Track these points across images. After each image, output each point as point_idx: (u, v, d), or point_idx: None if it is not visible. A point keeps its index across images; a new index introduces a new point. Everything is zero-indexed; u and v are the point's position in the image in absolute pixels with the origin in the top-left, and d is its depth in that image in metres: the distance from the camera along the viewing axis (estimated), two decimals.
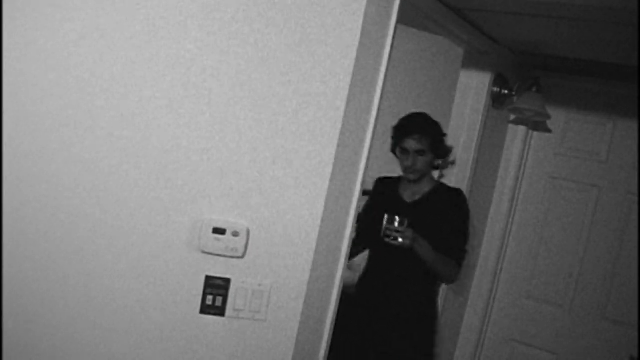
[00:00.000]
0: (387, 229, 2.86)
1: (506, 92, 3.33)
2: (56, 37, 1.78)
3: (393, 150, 3.09)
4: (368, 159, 2.16)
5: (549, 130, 3.60)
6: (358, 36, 1.97)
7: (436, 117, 3.03)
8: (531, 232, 3.67)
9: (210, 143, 1.91)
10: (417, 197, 3.07)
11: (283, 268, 2.03)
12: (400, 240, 2.83)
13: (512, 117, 3.59)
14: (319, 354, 2.20)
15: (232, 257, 1.97)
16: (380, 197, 3.25)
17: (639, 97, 3.21)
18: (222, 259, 1.97)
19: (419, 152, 2.96)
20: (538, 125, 3.60)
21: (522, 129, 3.62)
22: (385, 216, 2.87)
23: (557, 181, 3.61)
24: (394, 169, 3.12)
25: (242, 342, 2.03)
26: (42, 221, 1.83)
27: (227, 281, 1.99)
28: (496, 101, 3.30)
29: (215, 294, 1.98)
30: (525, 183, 3.70)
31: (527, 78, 3.42)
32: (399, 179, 3.17)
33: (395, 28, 2.12)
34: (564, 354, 3.58)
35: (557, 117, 3.50)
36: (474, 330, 3.74)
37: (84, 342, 1.90)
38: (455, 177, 3.21)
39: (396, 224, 2.83)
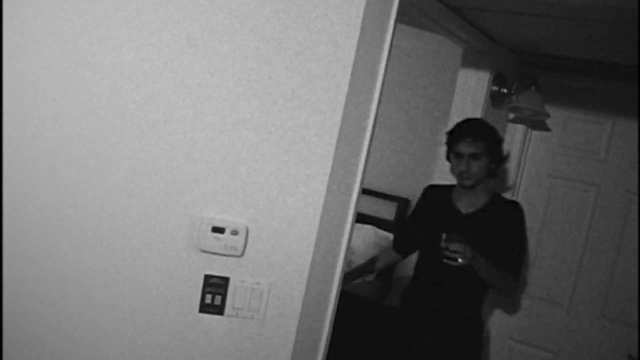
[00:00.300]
0: (445, 248, 2.76)
1: (505, 91, 3.33)
2: (56, 32, 1.78)
3: (448, 157, 3.02)
4: (367, 158, 2.16)
5: (548, 129, 3.60)
6: (357, 34, 1.97)
7: (435, 115, 3.03)
8: (530, 231, 3.67)
9: (209, 141, 1.91)
10: (472, 209, 3.00)
11: (282, 267, 2.03)
12: (460, 260, 2.74)
13: (511, 116, 3.59)
14: (318, 353, 2.20)
15: (231, 255, 1.97)
16: (432, 205, 3.16)
17: (639, 97, 3.21)
18: (221, 257, 1.97)
19: (474, 156, 2.87)
20: (537, 124, 3.60)
21: (521, 127, 3.62)
22: (444, 235, 2.77)
23: (556, 180, 3.61)
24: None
25: (241, 341, 2.04)
26: (39, 219, 1.82)
27: (226, 280, 1.99)
28: (495, 100, 3.31)
29: (214, 293, 1.98)
30: (524, 182, 3.70)
31: (526, 77, 3.42)
32: (451, 187, 3.09)
33: (395, 26, 2.13)
34: (562, 353, 3.58)
35: (556, 116, 3.50)
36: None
37: (82, 341, 1.90)
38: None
39: (456, 244, 2.73)
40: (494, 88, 3.26)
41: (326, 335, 2.19)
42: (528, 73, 3.48)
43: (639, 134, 3.35)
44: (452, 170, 2.97)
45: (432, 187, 3.21)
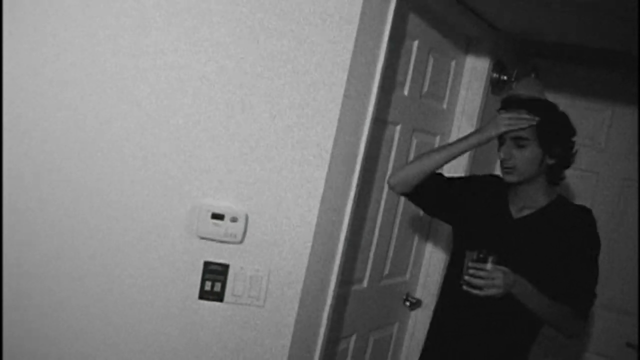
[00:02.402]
0: (468, 270, 2.08)
1: (505, 78, 3.32)
2: (61, 30, 1.77)
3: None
4: (367, 144, 2.16)
5: None
6: (356, 22, 1.97)
7: (435, 102, 3.00)
8: None
9: (209, 128, 1.91)
10: (526, 212, 2.24)
11: (281, 254, 2.03)
12: (484, 291, 2.03)
13: None
14: (317, 340, 2.20)
15: (230, 242, 1.97)
16: (482, 195, 2.37)
17: (639, 85, 3.20)
18: (220, 244, 1.97)
19: (517, 141, 2.15)
20: None
21: None
22: (469, 254, 2.10)
23: None
24: None
25: (240, 328, 2.04)
26: (41, 208, 1.82)
27: (226, 267, 1.99)
28: (495, 87, 3.30)
29: (214, 280, 1.99)
30: None
31: (526, 64, 3.42)
32: (509, 185, 2.28)
33: (395, 13, 2.12)
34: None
35: (556, 104, 3.49)
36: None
37: (82, 327, 1.91)
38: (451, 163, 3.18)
39: (488, 266, 2.03)
40: (494, 75, 3.24)
41: (326, 322, 2.20)
42: (528, 60, 3.48)
43: (638, 122, 3.34)
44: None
45: (492, 176, 2.43)
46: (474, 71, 3.18)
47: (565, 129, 2.21)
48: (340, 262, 2.19)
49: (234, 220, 1.95)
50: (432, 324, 2.46)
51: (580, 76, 3.49)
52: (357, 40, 1.98)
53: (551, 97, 3.37)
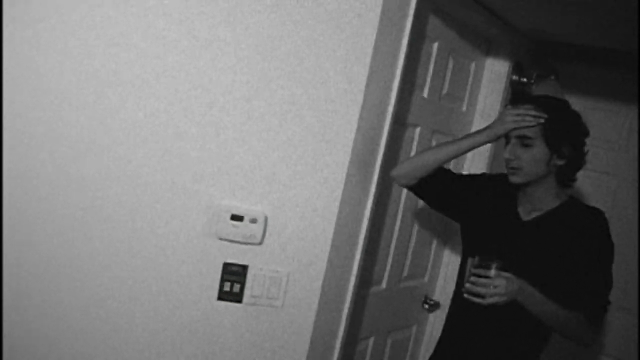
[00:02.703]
0: (470, 278, 1.98)
1: (524, 80, 3.30)
2: (74, 29, 1.79)
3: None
4: (386, 146, 2.16)
5: None
6: (377, 23, 1.97)
7: (455, 104, 2.99)
8: None
9: (229, 130, 1.91)
10: (535, 214, 2.13)
11: (300, 255, 2.03)
12: (488, 299, 1.93)
13: None
14: (335, 341, 2.20)
15: (249, 243, 1.98)
16: (491, 195, 2.27)
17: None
18: (239, 245, 1.98)
19: (523, 140, 2.04)
20: None
21: None
22: (471, 260, 2.01)
23: None
24: None
25: (259, 329, 2.04)
26: (58, 209, 1.84)
27: (245, 268, 2.00)
28: (515, 89, 3.28)
29: (233, 281, 1.99)
30: None
31: (546, 66, 3.40)
32: (519, 186, 2.16)
33: (414, 16, 2.12)
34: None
35: (575, 106, 3.44)
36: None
37: (103, 327, 1.92)
38: (470, 163, 3.17)
39: (491, 273, 1.93)
40: (514, 77, 3.23)
41: (344, 323, 2.20)
42: (547, 62, 3.46)
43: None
44: None
45: (504, 175, 2.18)
46: (494, 73, 3.17)
47: (575, 128, 2.08)
48: (359, 263, 2.19)
49: (253, 221, 1.95)
50: (444, 327, 2.39)
51: (600, 77, 3.47)
52: (376, 42, 1.98)
53: (570, 98, 3.36)
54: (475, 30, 2.97)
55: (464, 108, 3.09)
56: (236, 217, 1.94)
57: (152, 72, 1.83)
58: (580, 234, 2.04)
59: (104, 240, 1.88)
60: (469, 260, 2.02)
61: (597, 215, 2.09)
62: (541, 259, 2.05)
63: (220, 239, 1.95)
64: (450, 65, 2.87)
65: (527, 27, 3.07)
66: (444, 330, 2.37)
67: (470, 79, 3.08)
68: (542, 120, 2.02)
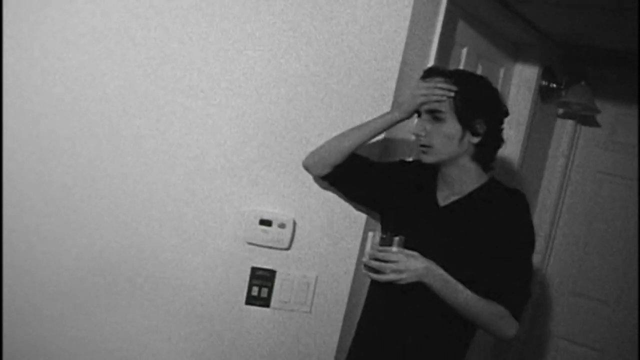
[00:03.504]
0: (372, 252, 1.78)
1: (554, 85, 3.28)
2: (100, 28, 1.81)
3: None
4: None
5: (597, 125, 3.54)
6: (405, 32, 1.97)
7: None
8: (578, 228, 3.61)
9: (257, 135, 1.92)
10: (453, 199, 1.92)
11: (328, 260, 2.03)
12: (385, 276, 1.76)
13: (561, 111, 3.53)
14: None
15: (277, 248, 1.98)
16: (409, 181, 2.05)
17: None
18: (267, 250, 1.98)
19: (433, 114, 1.85)
20: (586, 119, 3.54)
21: (570, 123, 3.56)
22: (372, 234, 1.94)
23: (605, 176, 3.54)
24: None
25: (286, 333, 2.05)
26: (95, 211, 1.86)
27: (273, 273, 2.00)
28: (544, 95, 3.26)
29: (261, 285, 2.00)
30: (573, 178, 3.64)
31: (576, 71, 3.37)
32: (439, 170, 1.97)
33: (444, 22, 2.11)
34: (608, 351, 3.53)
35: (606, 112, 3.44)
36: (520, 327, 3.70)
37: (133, 331, 1.94)
38: (501, 171, 3.17)
39: (393, 249, 1.76)
40: (544, 83, 3.21)
41: None
42: (578, 67, 3.42)
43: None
44: None
45: (421, 164, 1.94)
46: (523, 78, 3.15)
47: (488, 104, 1.88)
48: None
49: (281, 226, 1.96)
50: (363, 308, 2.06)
51: (632, 82, 3.43)
52: (406, 48, 1.98)
53: (601, 104, 3.34)
54: (504, 36, 2.96)
55: None
56: (265, 222, 1.95)
57: (186, 88, 1.85)
58: (498, 218, 1.85)
59: (134, 245, 1.89)
60: (369, 235, 1.90)
61: (516, 197, 1.90)
62: (457, 246, 1.85)
63: (249, 243, 1.96)
64: (479, 71, 2.85)
65: (557, 31, 3.05)
66: (363, 311, 2.07)
67: (500, 84, 3.06)
68: (451, 94, 1.83)
